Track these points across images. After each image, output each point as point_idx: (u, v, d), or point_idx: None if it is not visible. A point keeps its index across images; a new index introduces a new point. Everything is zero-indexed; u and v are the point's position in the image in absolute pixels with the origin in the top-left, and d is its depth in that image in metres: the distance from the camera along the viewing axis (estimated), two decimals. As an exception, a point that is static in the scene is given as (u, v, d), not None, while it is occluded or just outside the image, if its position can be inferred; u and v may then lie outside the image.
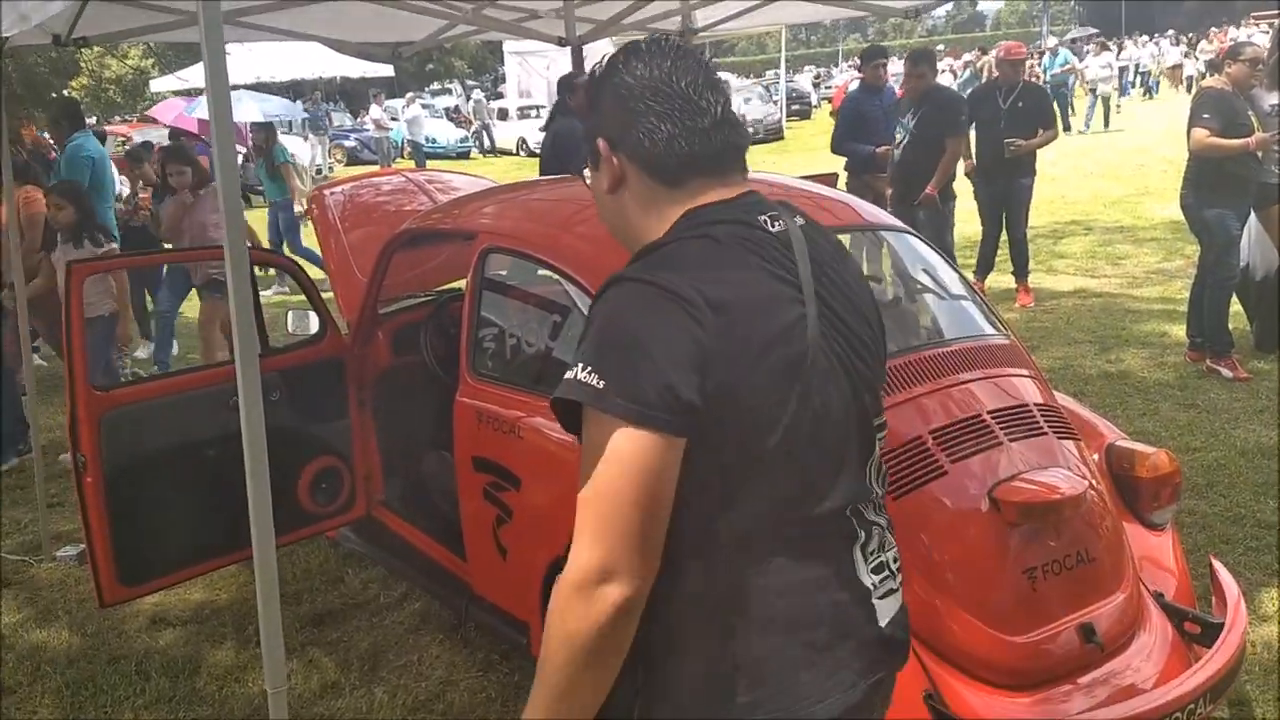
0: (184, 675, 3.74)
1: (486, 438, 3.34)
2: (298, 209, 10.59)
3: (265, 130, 11.37)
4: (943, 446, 2.71)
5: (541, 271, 3.47)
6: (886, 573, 1.58)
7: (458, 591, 3.63)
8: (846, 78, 34.45)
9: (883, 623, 1.54)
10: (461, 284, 3.78)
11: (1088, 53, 30.80)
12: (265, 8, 4.12)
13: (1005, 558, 2.60)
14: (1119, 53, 30.37)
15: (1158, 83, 32.22)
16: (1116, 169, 15.60)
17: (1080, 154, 17.50)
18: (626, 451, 1.32)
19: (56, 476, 5.55)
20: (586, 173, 1.64)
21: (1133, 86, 30.77)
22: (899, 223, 3.70)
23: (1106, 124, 22.23)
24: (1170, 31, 38.55)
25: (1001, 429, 2.79)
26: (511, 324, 3.55)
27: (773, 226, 1.51)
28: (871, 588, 1.54)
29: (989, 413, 2.82)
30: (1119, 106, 23.42)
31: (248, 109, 20.00)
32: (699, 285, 1.38)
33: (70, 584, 4.53)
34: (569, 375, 1.38)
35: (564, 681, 1.36)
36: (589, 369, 1.35)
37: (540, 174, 7.52)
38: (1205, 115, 5.88)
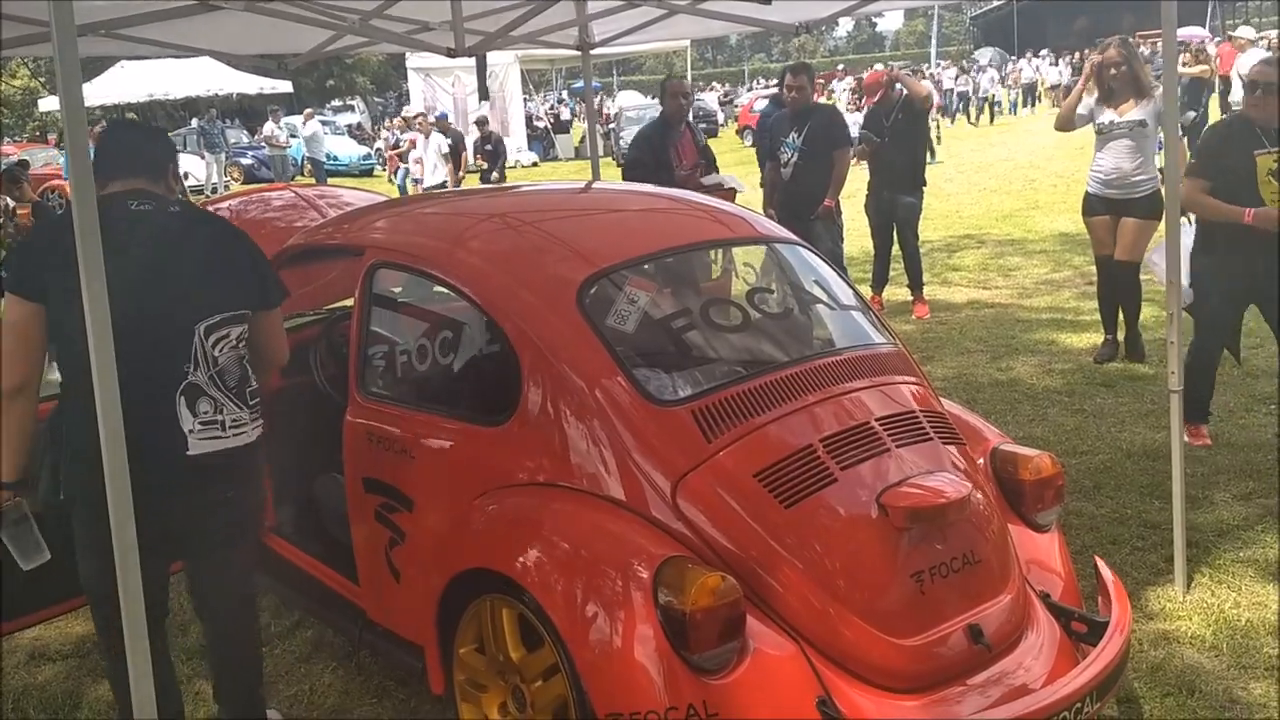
0: (64, 712, 3.58)
1: (378, 459, 3.27)
2: None
3: None
4: (832, 454, 2.73)
5: (435, 288, 3.41)
6: (216, 426, 2.71)
7: (351, 618, 3.52)
8: (752, 96, 34.73)
9: (193, 452, 2.67)
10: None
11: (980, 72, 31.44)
12: (132, 20, 3.98)
13: (894, 562, 2.63)
14: (957, 77, 30.74)
15: (1034, 101, 32.69)
16: (1008, 184, 16.07)
17: (975, 170, 17.99)
18: (6, 309, 2.52)
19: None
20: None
21: (977, 111, 30.20)
22: (791, 235, 3.73)
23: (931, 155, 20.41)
24: (1044, 51, 39.89)
25: (889, 435, 2.82)
26: (401, 341, 3.48)
27: (135, 207, 2.70)
28: (190, 431, 2.66)
29: (877, 420, 2.85)
30: (938, 138, 22.56)
31: None
32: (52, 231, 2.66)
33: (-60, 622, 4.30)
34: None
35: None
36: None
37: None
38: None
